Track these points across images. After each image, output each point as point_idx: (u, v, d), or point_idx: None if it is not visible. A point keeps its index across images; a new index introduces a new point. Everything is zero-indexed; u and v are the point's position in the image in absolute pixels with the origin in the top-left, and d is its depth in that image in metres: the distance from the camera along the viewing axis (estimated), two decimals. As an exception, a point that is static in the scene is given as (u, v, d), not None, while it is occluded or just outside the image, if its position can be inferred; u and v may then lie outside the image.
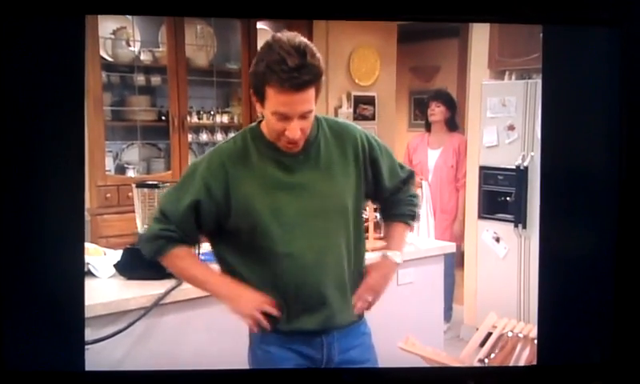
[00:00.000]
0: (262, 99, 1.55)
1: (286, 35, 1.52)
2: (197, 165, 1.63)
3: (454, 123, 3.58)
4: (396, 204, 1.75)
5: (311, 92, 1.52)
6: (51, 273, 1.85)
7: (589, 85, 1.99)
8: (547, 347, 1.93)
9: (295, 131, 1.53)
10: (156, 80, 3.79)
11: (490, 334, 2.19)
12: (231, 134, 4.04)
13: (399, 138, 4.78)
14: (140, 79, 3.75)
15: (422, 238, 3.34)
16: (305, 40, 1.52)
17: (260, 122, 1.65)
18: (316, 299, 1.60)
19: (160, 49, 3.80)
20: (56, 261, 1.86)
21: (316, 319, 1.61)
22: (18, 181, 1.85)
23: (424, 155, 3.66)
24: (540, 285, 1.98)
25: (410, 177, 1.77)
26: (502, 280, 3.24)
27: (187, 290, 2.01)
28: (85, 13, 1.88)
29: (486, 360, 2.06)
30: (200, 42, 3.98)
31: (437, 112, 3.60)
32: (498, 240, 3.30)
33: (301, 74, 1.48)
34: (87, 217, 3.23)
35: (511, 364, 2.00)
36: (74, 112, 1.87)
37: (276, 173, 1.59)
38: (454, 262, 3.36)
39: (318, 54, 1.52)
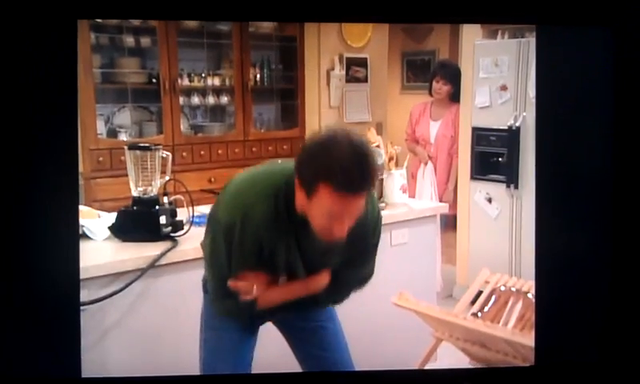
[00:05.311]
0: (310, 193, 1.45)
1: (343, 133, 1.45)
2: (231, 229, 1.54)
3: (456, 95, 3.55)
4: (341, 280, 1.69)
5: (366, 194, 1.47)
6: (46, 270, 1.86)
7: (582, 81, 2.01)
8: (544, 347, 1.96)
9: (344, 231, 1.48)
10: (145, 41, 3.73)
11: (481, 292, 2.22)
12: (223, 97, 4.03)
13: (392, 101, 4.75)
14: (129, 41, 3.69)
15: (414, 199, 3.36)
16: (364, 138, 1.46)
17: (294, 188, 1.52)
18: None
19: (149, 10, 3.74)
20: (50, 234, 1.86)
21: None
22: (9, 148, 1.84)
23: (426, 128, 3.66)
24: (537, 285, 2.00)
25: (353, 290, 1.73)
26: (495, 240, 3.27)
27: (183, 252, 2.03)
28: (77, 18, 1.88)
29: (480, 314, 2.10)
30: (189, 2, 3.91)
31: (443, 91, 3.58)
32: (490, 201, 3.32)
33: (362, 179, 1.42)
34: (80, 181, 3.21)
35: (504, 317, 2.04)
36: (66, 80, 1.88)
37: (294, 247, 1.58)
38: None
39: (375, 154, 1.47)
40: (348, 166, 1.39)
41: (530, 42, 3.09)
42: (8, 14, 1.81)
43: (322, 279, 1.65)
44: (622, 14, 1.94)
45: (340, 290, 1.70)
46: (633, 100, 1.96)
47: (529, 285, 2.10)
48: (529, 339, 1.93)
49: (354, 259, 1.65)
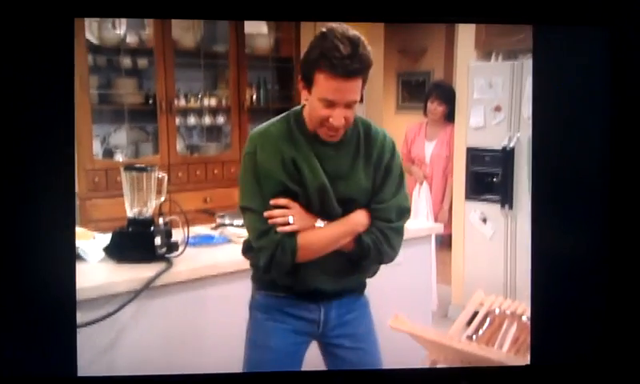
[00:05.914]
0: (309, 85, 1.61)
1: (341, 27, 1.60)
2: (253, 154, 1.68)
3: (451, 115, 3.57)
4: (379, 214, 1.72)
5: (359, 82, 1.60)
6: (43, 273, 1.87)
7: (580, 81, 2.02)
8: (540, 346, 1.96)
9: (340, 119, 1.60)
10: (143, 62, 3.75)
11: (477, 312, 2.22)
12: (220, 118, 4.05)
13: (387, 121, 4.78)
14: (126, 62, 3.71)
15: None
16: (357, 33, 1.59)
17: (301, 109, 1.70)
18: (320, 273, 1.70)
19: (146, 31, 3.76)
20: (47, 251, 1.87)
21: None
22: (7, 168, 1.85)
23: (421, 148, 3.68)
24: (532, 285, 2.01)
25: (395, 224, 1.74)
26: (489, 260, 3.28)
27: (177, 273, 2.03)
28: (74, 16, 1.89)
29: (474, 336, 2.09)
30: (186, 23, 3.94)
31: (438, 111, 3.61)
32: (484, 221, 3.33)
33: (352, 61, 1.56)
34: (76, 201, 3.21)
35: (498, 340, 2.04)
36: (64, 99, 1.89)
37: (313, 158, 1.67)
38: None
39: (369, 48, 1.59)
40: (340, 51, 1.55)
41: (524, 63, 3.13)
42: (3, 11, 1.81)
43: (361, 215, 1.70)
44: (620, 14, 1.95)
45: (383, 229, 1.70)
46: (631, 100, 1.96)
47: (523, 307, 2.10)
48: (523, 362, 1.92)
49: (381, 187, 1.71)
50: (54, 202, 1.89)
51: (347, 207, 1.70)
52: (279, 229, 1.64)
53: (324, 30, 1.60)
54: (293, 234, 1.65)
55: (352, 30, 1.60)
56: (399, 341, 2.18)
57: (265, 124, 1.74)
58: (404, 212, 1.76)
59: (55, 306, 1.85)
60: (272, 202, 1.65)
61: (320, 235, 1.68)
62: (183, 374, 1.90)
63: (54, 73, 1.88)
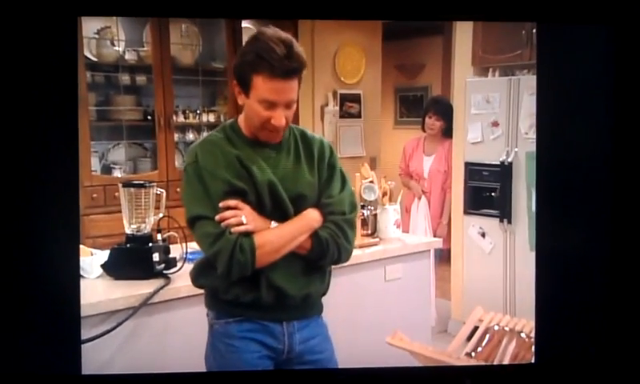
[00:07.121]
0: (247, 89, 1.62)
1: (271, 29, 1.62)
2: (194, 162, 1.66)
3: (449, 131, 3.59)
4: (330, 208, 1.72)
5: (296, 82, 1.62)
6: (47, 274, 1.87)
7: (583, 79, 2.02)
8: (544, 345, 1.96)
9: (281, 119, 1.62)
10: (141, 79, 3.77)
11: (476, 327, 2.21)
12: (218, 133, 4.07)
13: (385, 136, 4.80)
14: (125, 79, 3.73)
15: (409, 234, 3.37)
16: (288, 35, 1.61)
17: (236, 120, 1.73)
18: (280, 283, 1.66)
19: (145, 48, 3.79)
20: (51, 262, 1.88)
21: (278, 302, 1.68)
22: (12, 184, 1.86)
23: (419, 163, 3.69)
24: (537, 283, 2.00)
25: (348, 216, 1.73)
26: (488, 275, 3.27)
27: (175, 289, 2.02)
28: (78, 14, 1.90)
29: (473, 353, 2.08)
30: (185, 40, 3.97)
31: (436, 126, 3.63)
32: (483, 235, 3.33)
33: (290, 61, 1.58)
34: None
35: (497, 356, 2.02)
36: (68, 113, 1.90)
37: (258, 157, 1.67)
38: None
39: (301, 48, 1.62)
40: (277, 52, 1.57)
41: (521, 79, 3.15)
42: (7, 11, 1.82)
43: (313, 212, 1.69)
44: (624, 12, 1.95)
45: (338, 222, 1.70)
46: (634, 98, 1.96)
47: (522, 323, 2.09)
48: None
49: (329, 183, 1.73)
50: (58, 215, 1.90)
51: (298, 206, 1.68)
52: (233, 229, 1.60)
53: (255, 34, 1.64)
54: (249, 234, 1.61)
55: (283, 32, 1.62)
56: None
57: (201, 138, 1.75)
58: (354, 206, 1.77)
59: (61, 311, 1.86)
60: (221, 204, 1.61)
61: (277, 233, 1.65)
62: (184, 372, 1.89)
63: (56, 73, 1.89)
